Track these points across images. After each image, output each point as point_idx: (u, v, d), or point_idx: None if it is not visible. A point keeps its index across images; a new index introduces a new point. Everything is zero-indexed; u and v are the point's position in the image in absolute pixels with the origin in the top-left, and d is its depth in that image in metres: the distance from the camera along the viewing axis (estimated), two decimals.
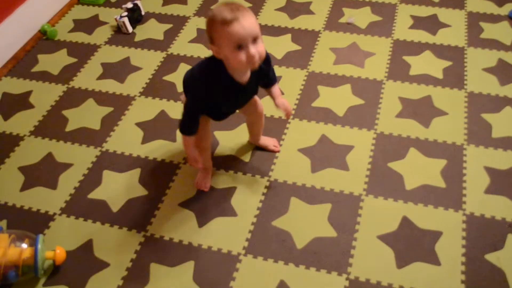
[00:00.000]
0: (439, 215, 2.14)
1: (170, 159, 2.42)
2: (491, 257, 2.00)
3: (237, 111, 2.17)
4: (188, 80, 2.02)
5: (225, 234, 2.12)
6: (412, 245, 2.05)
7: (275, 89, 2.08)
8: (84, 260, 2.05)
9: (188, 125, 1.94)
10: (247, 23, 1.67)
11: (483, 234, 2.07)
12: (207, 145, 2.19)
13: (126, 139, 2.53)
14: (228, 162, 2.39)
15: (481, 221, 2.11)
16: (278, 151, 2.42)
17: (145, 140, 2.51)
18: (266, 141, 2.44)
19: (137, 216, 2.20)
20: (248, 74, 1.89)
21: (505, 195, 2.20)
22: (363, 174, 2.31)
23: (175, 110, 2.66)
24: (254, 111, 2.22)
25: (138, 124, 2.60)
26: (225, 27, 1.67)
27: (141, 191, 2.29)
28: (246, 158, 2.41)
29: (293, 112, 2.02)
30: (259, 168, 2.36)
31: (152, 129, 2.57)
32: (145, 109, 2.68)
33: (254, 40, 1.71)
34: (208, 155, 2.26)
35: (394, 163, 2.35)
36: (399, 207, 2.18)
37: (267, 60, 1.94)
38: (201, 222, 2.15)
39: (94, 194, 2.29)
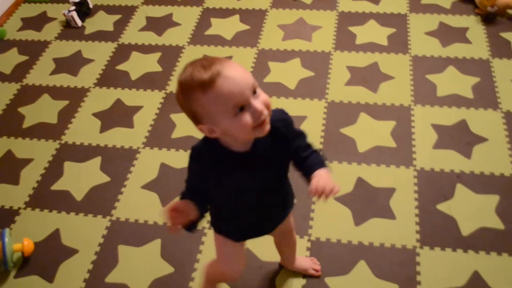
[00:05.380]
0: (391, 173, 2.25)
1: (130, 145, 2.46)
2: (442, 206, 2.11)
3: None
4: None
5: None
6: (368, 203, 2.15)
7: (320, 173, 1.34)
8: (53, 249, 2.09)
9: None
10: (235, 74, 1.14)
11: (433, 186, 2.18)
12: (229, 273, 1.66)
13: (84, 130, 2.56)
14: None
15: (431, 175, 2.22)
16: (319, 276, 1.94)
17: (103, 129, 2.55)
18: (303, 262, 1.95)
19: (101, 202, 2.24)
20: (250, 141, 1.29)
21: (453, 149, 2.32)
22: (317, 141, 2.39)
23: (131, 97, 2.70)
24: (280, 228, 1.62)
25: (95, 115, 2.63)
26: (209, 90, 1.13)
27: (103, 178, 2.33)
28: None
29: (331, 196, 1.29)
30: None
31: (109, 117, 2.61)
32: (101, 99, 2.71)
33: (253, 92, 1.17)
34: None
35: (346, 129, 2.44)
36: (353, 169, 2.27)
37: (281, 116, 1.34)
38: (165, 201, 2.21)
39: (57, 186, 2.33)
